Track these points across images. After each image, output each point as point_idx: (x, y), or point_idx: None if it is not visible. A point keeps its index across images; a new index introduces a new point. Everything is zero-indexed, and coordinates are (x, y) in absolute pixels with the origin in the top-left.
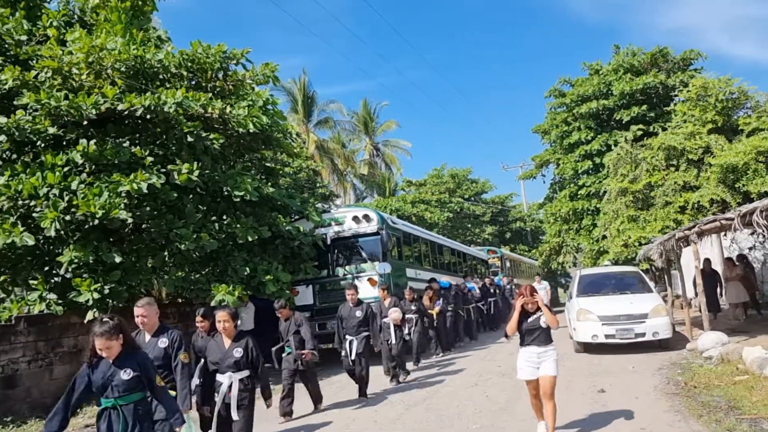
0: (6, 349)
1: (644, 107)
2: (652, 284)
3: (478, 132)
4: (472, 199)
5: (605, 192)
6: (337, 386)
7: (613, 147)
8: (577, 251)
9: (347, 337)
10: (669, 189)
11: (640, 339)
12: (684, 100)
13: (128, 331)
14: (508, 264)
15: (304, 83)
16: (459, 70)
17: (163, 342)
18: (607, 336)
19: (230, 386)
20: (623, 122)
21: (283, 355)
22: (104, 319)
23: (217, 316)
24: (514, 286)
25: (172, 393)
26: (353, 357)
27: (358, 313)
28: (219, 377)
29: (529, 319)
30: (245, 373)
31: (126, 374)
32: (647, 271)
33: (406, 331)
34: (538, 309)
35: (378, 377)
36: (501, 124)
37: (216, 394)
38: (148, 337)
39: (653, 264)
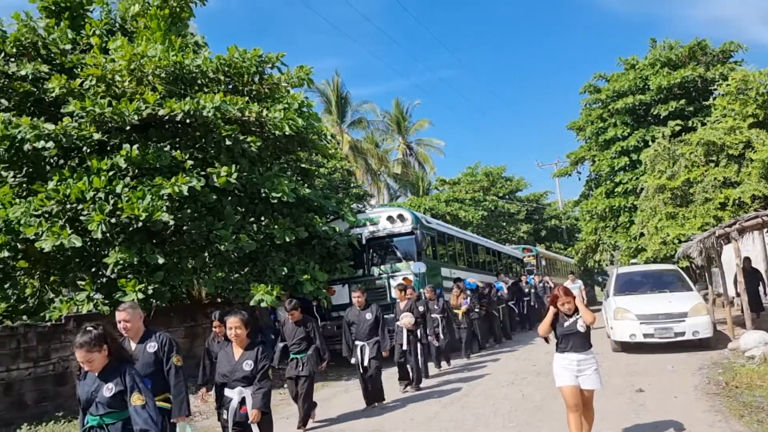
0: (57, 347)
1: (682, 102)
2: (691, 283)
3: (513, 130)
4: (507, 197)
5: (642, 189)
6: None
7: (650, 143)
8: (614, 249)
9: (357, 342)
10: (709, 185)
11: (679, 338)
12: (723, 93)
13: (116, 342)
14: (543, 262)
15: (338, 84)
16: (492, 67)
17: (151, 347)
18: (645, 335)
19: (241, 401)
20: (661, 117)
21: (287, 360)
22: (87, 328)
23: (227, 323)
24: (546, 284)
25: (163, 404)
26: (366, 363)
27: (369, 316)
28: (228, 392)
29: (566, 323)
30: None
31: (108, 390)
32: (687, 269)
33: (429, 332)
34: (576, 311)
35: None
36: (535, 122)
37: (225, 411)
38: (134, 344)
39: (693, 262)
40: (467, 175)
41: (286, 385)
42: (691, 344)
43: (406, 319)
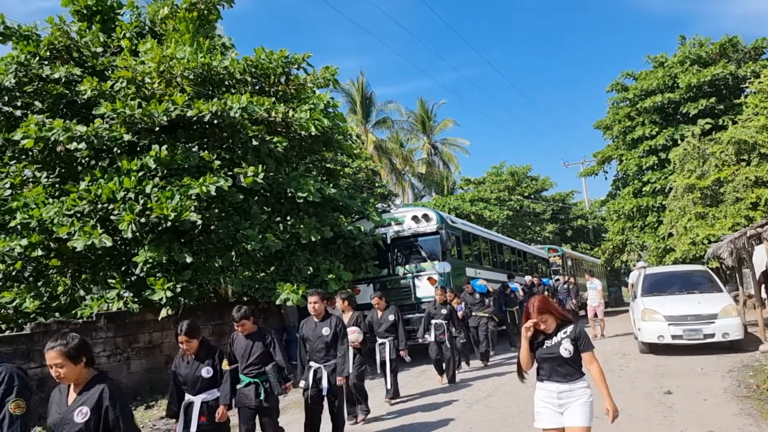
0: (88, 344)
1: (712, 100)
2: (721, 284)
3: (538, 129)
4: (532, 196)
5: (671, 188)
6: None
7: (679, 142)
8: (642, 249)
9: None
10: (740, 185)
11: (709, 340)
12: (755, 91)
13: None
14: (569, 262)
15: (362, 84)
16: (518, 66)
17: None
18: (673, 336)
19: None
20: (690, 116)
21: (238, 386)
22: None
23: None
24: (570, 286)
25: None
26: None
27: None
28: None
29: (546, 344)
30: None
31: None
32: (716, 270)
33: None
34: (562, 324)
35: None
36: (562, 120)
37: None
38: None
39: (723, 263)
40: (492, 175)
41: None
42: (720, 346)
43: (352, 336)
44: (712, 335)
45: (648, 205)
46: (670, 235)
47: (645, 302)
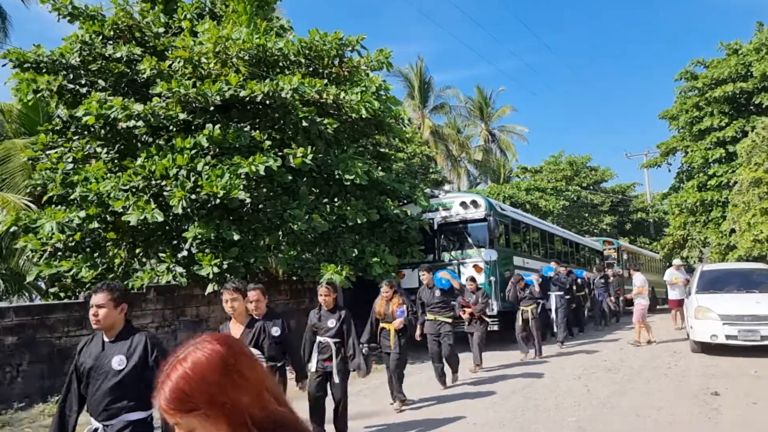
0: (138, 314)
1: None
2: None
3: (600, 118)
4: (591, 187)
5: (736, 182)
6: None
7: (750, 134)
8: (704, 246)
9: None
10: None
11: (766, 342)
12: None
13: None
14: (625, 256)
15: (421, 69)
16: (581, 53)
17: None
18: (728, 337)
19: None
20: (764, 107)
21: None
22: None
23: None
24: (610, 279)
25: None
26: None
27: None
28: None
29: None
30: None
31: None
32: None
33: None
34: None
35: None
36: (625, 110)
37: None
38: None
39: None
40: (550, 164)
41: None
42: None
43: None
44: None
45: (713, 199)
46: (733, 231)
47: (699, 299)
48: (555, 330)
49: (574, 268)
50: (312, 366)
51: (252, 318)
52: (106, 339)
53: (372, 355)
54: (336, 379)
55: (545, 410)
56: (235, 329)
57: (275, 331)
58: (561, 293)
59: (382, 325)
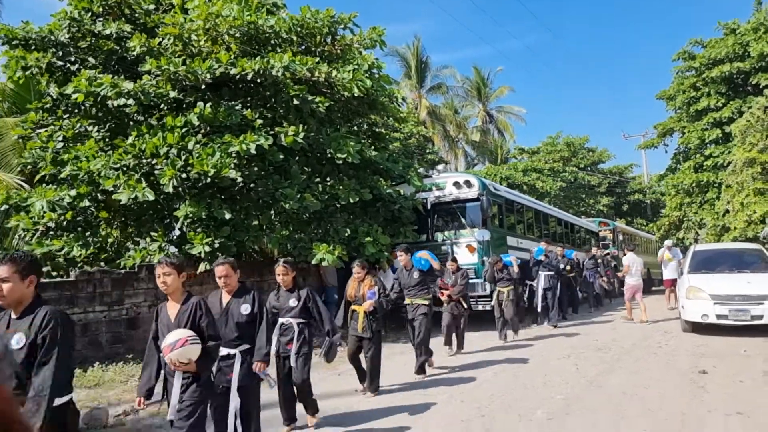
0: (130, 293)
1: None
2: None
3: (598, 98)
4: (588, 168)
5: (730, 163)
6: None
7: (746, 113)
8: (700, 227)
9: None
10: None
11: (756, 322)
12: None
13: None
14: (621, 237)
15: (418, 49)
16: (579, 34)
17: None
18: (718, 316)
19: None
20: (760, 87)
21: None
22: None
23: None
24: (599, 260)
25: None
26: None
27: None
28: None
29: None
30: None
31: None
32: None
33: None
34: None
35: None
36: (623, 91)
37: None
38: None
39: None
40: (548, 145)
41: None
42: None
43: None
44: (761, 317)
45: (709, 180)
46: (727, 212)
47: (691, 279)
48: (539, 311)
49: (568, 248)
50: (273, 349)
51: (189, 294)
52: (13, 316)
53: (340, 343)
54: (293, 362)
55: (533, 388)
56: (171, 308)
57: (245, 308)
58: (551, 273)
59: (353, 307)
